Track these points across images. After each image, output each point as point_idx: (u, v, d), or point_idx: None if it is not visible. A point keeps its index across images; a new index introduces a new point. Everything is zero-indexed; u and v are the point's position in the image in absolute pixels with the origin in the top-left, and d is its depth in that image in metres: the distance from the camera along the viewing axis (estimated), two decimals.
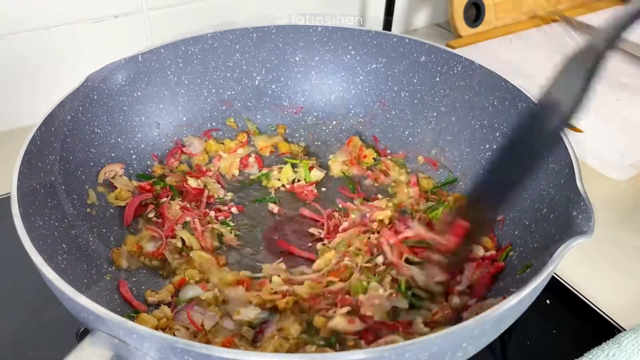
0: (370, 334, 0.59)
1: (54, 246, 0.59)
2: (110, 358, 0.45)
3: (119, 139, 0.79)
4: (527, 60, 1.17)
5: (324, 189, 0.84)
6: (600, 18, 1.34)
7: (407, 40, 0.84)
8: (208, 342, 0.60)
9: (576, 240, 0.50)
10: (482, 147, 0.78)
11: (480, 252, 0.68)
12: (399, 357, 0.41)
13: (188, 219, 0.74)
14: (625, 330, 0.65)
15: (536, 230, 0.64)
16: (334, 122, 0.92)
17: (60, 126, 0.68)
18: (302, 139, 0.92)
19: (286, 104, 0.92)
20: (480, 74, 0.78)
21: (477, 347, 0.48)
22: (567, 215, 0.56)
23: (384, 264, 0.67)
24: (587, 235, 0.51)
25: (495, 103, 0.76)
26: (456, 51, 0.82)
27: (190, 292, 0.66)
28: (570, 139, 0.62)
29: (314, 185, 0.83)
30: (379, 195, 0.81)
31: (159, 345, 0.43)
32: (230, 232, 0.75)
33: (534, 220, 0.65)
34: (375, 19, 1.23)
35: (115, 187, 0.76)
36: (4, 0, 0.87)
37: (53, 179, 0.66)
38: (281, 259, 0.71)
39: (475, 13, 1.30)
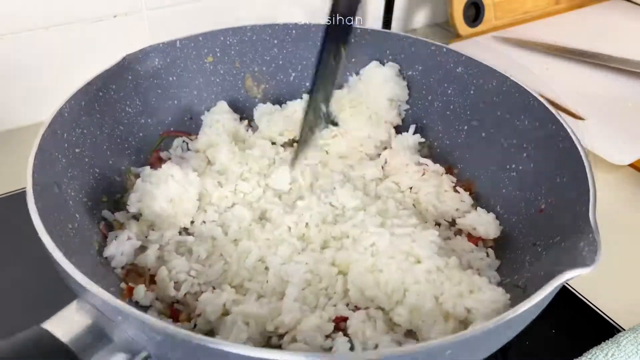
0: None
1: (66, 214, 0.62)
2: (89, 325, 0.46)
3: (149, 120, 0.81)
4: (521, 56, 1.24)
5: None
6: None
7: (444, 50, 0.83)
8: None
9: (576, 271, 0.48)
10: (508, 167, 0.76)
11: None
12: None
13: None
14: (624, 330, 0.65)
15: (546, 257, 0.61)
16: None
17: (90, 101, 0.71)
18: None
19: None
20: (513, 89, 0.75)
21: None
22: (575, 245, 0.53)
23: None
24: (589, 268, 0.48)
25: (526, 123, 0.74)
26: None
27: None
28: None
29: None
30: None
31: (131, 320, 0.44)
32: None
33: (544, 247, 0.62)
34: (374, 18, 1.24)
35: None
36: (4, 0, 0.88)
37: (78, 150, 0.69)
38: None
39: (474, 13, 1.33)
